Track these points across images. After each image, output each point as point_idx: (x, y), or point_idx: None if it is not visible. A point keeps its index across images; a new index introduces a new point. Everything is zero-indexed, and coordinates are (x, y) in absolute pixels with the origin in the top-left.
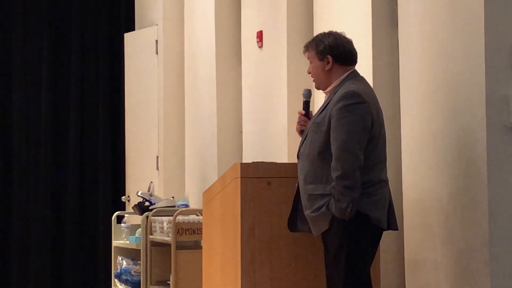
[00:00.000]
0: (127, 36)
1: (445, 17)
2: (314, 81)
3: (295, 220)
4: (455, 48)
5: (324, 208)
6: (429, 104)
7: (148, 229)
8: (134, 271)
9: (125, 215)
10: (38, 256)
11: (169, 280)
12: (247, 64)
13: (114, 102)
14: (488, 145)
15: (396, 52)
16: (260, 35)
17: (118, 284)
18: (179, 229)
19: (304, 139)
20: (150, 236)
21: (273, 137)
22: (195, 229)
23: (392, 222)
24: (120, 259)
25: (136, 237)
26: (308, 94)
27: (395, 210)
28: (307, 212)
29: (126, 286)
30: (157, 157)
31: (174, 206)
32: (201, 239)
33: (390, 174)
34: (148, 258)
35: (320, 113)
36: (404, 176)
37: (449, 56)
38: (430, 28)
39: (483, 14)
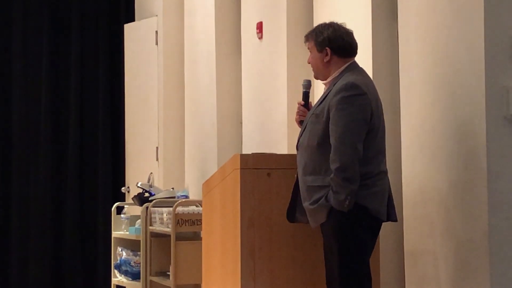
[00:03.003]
0: (127, 27)
1: (445, 9)
2: (313, 71)
3: (294, 211)
4: (455, 39)
5: (322, 200)
6: (429, 95)
7: (147, 220)
8: (134, 262)
9: (125, 206)
10: (38, 247)
11: (168, 271)
12: (247, 55)
13: (114, 93)
14: (488, 136)
15: (396, 43)
16: (260, 26)
17: (118, 275)
18: (179, 220)
19: (303, 130)
20: (150, 227)
21: (273, 128)
22: (195, 220)
23: (391, 213)
24: (120, 250)
25: (136, 228)
26: (307, 85)
27: (395, 201)
28: (305, 204)
29: (126, 277)
30: (157, 148)
31: (174, 197)
32: (201, 230)
33: (389, 165)
34: (148, 249)
35: (319, 104)
36: (404, 167)
37: (449, 48)
38: (430, 20)
39: (483, 5)
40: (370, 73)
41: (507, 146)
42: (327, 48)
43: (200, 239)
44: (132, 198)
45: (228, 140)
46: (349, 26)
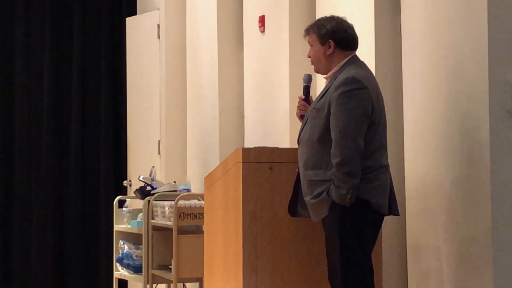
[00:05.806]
0: (129, 21)
1: (448, 2)
2: (314, 65)
3: (296, 205)
4: (458, 33)
5: (324, 195)
6: (432, 89)
7: (149, 213)
8: (136, 256)
9: (127, 199)
10: (40, 240)
11: (170, 265)
12: (249, 49)
13: (116, 86)
14: (491, 130)
15: (399, 37)
16: (262, 20)
17: (120, 268)
18: (181, 213)
19: (304, 125)
20: (152, 221)
21: (275, 122)
22: (197, 214)
23: (393, 207)
24: (122, 243)
25: (138, 222)
26: (308, 79)
27: (397, 195)
28: (307, 199)
29: (128, 270)
30: (159, 141)
31: (175, 191)
32: (203, 223)
33: (392, 159)
34: (150, 243)
35: (320, 98)
36: (407, 161)
37: (452, 42)
38: (433, 13)
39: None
40: (372, 67)
41: (510, 140)
42: (330, 40)
43: (202, 232)
44: (134, 192)
45: (230, 134)
46: (351, 19)
